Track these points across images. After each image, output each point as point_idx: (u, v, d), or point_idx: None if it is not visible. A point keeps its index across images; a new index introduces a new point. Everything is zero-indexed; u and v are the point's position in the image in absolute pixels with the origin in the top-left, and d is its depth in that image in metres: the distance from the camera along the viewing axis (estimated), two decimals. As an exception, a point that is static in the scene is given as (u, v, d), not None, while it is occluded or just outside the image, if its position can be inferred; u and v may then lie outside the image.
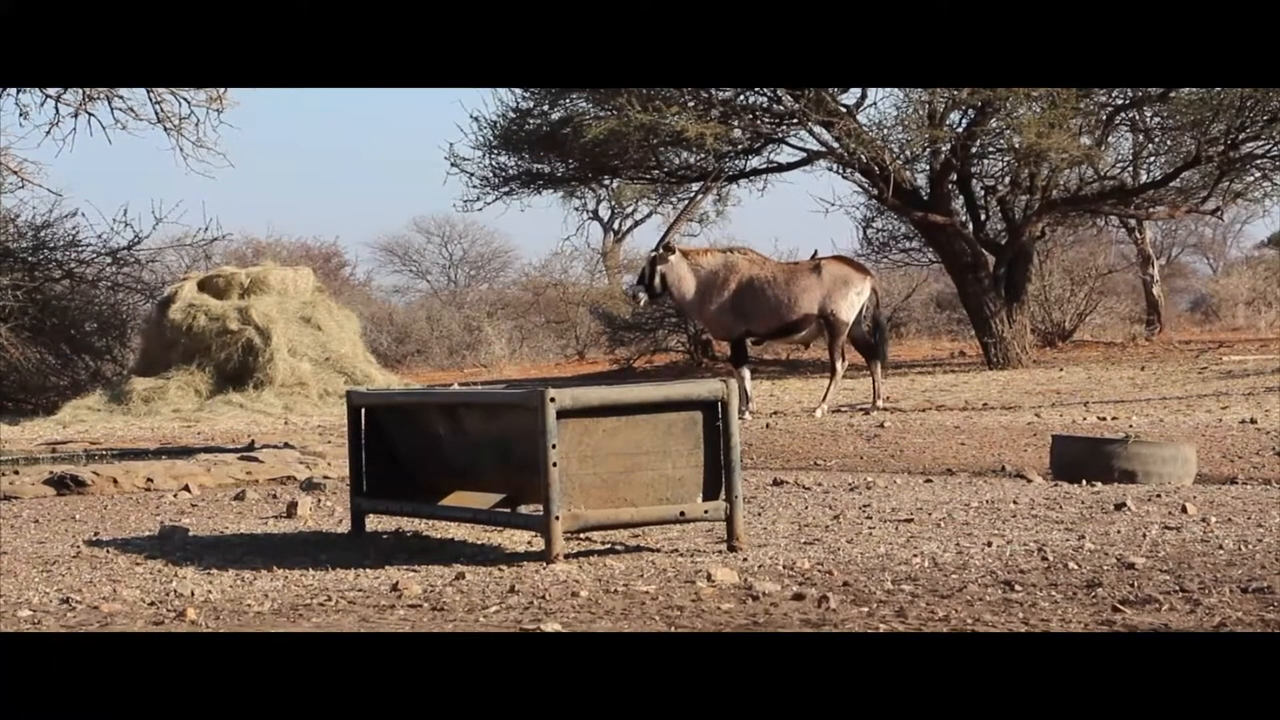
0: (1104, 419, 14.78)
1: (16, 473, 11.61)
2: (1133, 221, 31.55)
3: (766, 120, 25.28)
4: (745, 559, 6.88)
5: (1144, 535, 7.22)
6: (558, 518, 6.91)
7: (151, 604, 6.19)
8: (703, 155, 25.40)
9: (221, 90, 21.80)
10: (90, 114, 22.08)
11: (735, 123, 24.89)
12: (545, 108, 26.18)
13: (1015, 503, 8.61)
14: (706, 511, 7.21)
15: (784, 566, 6.61)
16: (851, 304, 17.09)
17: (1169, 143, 26.17)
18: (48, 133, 22.33)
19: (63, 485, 11.03)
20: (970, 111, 25.02)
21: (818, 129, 24.90)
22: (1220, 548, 6.76)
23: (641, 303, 17.88)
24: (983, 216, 26.63)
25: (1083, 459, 10.04)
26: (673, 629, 5.29)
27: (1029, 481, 9.96)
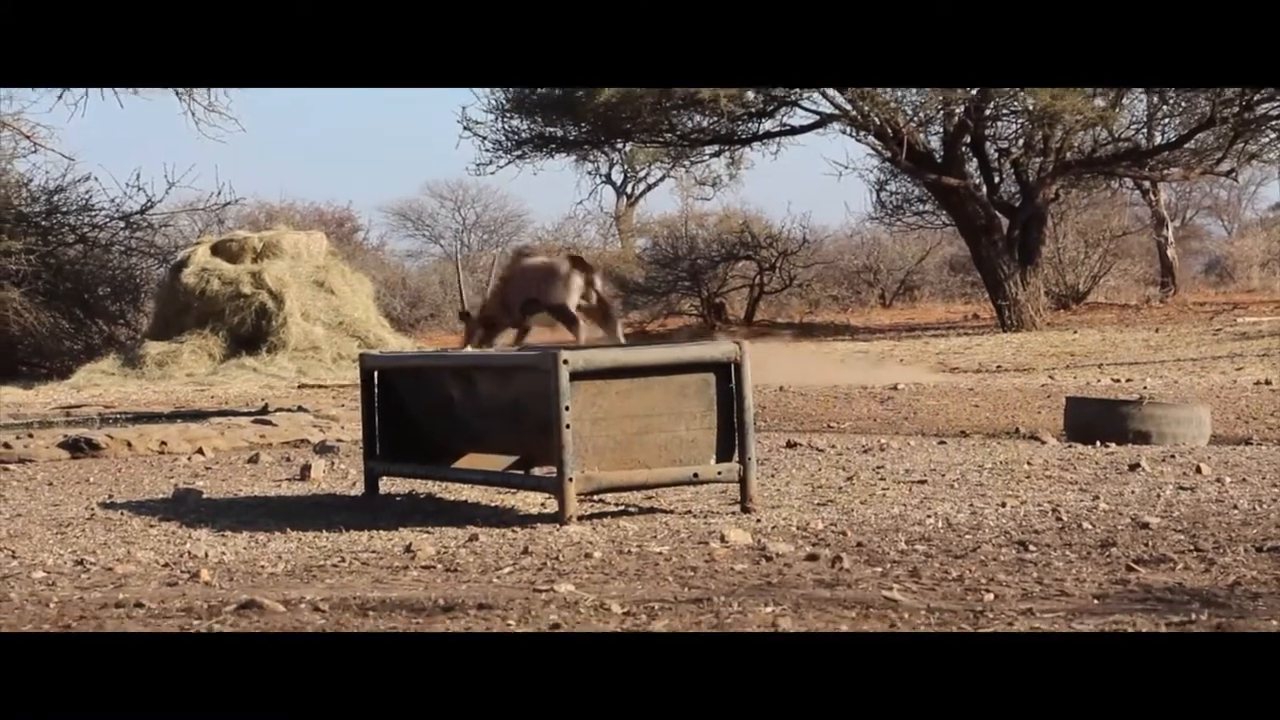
0: (1118, 380, 14.76)
1: (31, 436, 11.62)
2: (1147, 183, 31.45)
3: (780, 82, 25.20)
4: (759, 520, 6.87)
5: (1158, 495, 7.20)
6: (571, 480, 6.91)
7: (165, 565, 6.20)
8: (715, 118, 25.34)
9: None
10: (102, 78, 22.07)
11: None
12: (558, 71, 26.11)
13: (1029, 464, 8.59)
14: (720, 473, 7.20)
15: (797, 527, 6.61)
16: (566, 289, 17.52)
17: (1183, 104, 26.08)
18: (59, 97, 22.36)
19: (77, 448, 11.05)
20: (984, 73, 24.91)
21: (831, 92, 24.83)
22: (1235, 508, 6.74)
23: None
24: (996, 179, 26.57)
25: (1097, 420, 10.02)
26: (686, 589, 5.28)
27: (1043, 443, 9.94)
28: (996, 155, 26.57)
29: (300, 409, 13.56)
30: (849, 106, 24.65)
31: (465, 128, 26.62)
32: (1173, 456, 8.73)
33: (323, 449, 10.82)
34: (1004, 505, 7.03)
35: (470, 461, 7.96)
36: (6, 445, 11.00)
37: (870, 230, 35.53)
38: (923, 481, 7.99)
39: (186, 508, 7.98)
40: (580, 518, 6.96)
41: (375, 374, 8.44)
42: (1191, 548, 5.79)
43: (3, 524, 7.57)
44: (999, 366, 17.73)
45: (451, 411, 7.99)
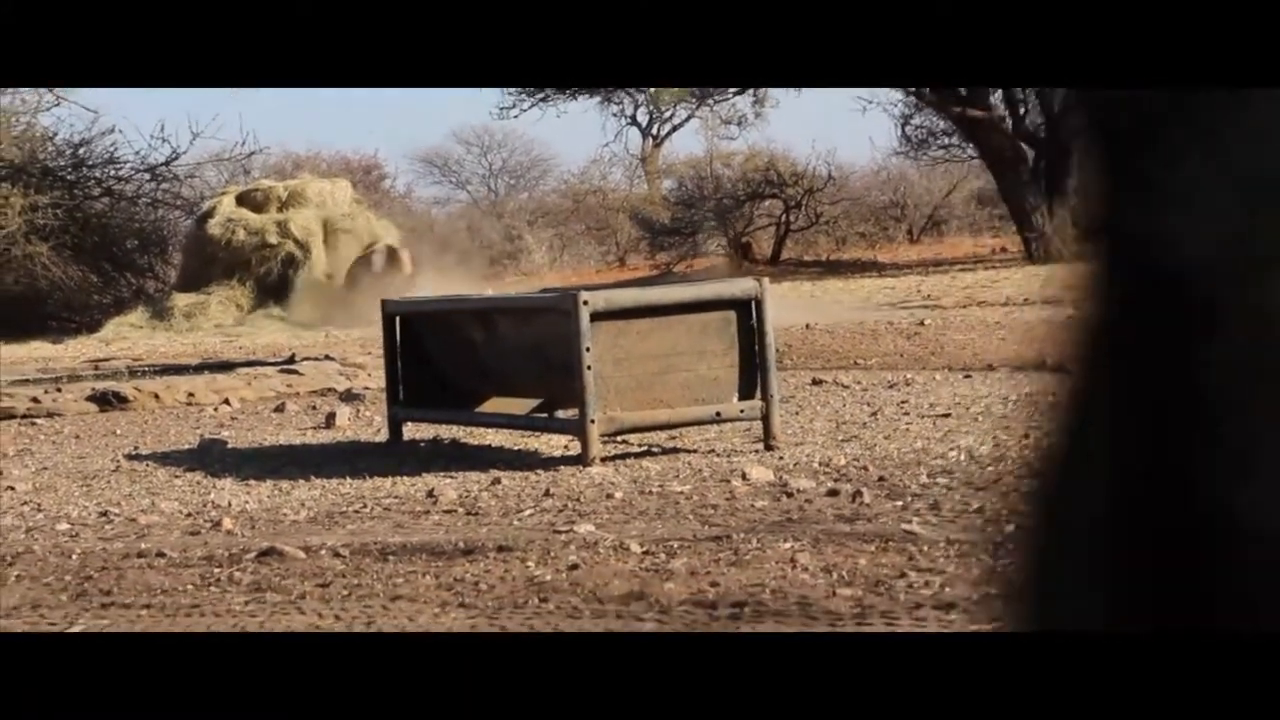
0: (1146, 311, 14.69)
1: (60, 390, 11.67)
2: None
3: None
4: (781, 457, 6.86)
5: (1183, 424, 7.16)
6: (593, 421, 6.90)
7: (188, 515, 6.21)
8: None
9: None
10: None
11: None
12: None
13: (1055, 395, 8.54)
14: (742, 411, 7.19)
15: (820, 463, 6.59)
16: None
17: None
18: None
19: (105, 401, 11.08)
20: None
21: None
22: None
23: None
24: (1022, 110, 26.42)
25: (1123, 350, 9.95)
26: (706, 527, 5.28)
27: (1070, 374, 9.89)
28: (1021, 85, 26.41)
29: (327, 357, 13.58)
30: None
31: (488, 72, 26.54)
32: (1199, 385, 8.67)
33: (348, 397, 10.83)
34: (1028, 437, 6.98)
35: (493, 405, 7.97)
36: (35, 400, 11.04)
37: (896, 165, 35.38)
38: (946, 415, 7.96)
39: (212, 458, 8.01)
40: (603, 459, 6.96)
41: (397, 320, 8.43)
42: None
43: (29, 478, 7.60)
44: (1026, 299, 17.65)
45: (474, 356, 7.98)
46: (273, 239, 22.89)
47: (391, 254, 22.70)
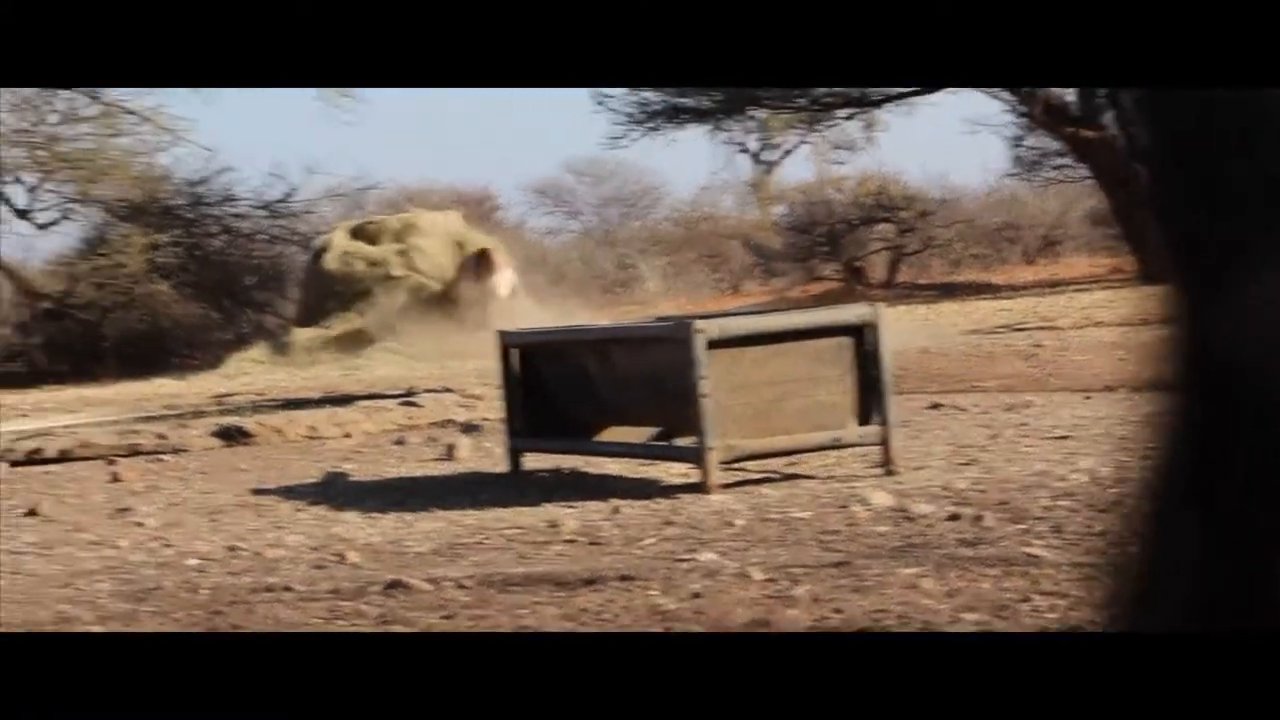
0: (1267, 328, 14.51)
1: (185, 426, 11.85)
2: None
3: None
4: (901, 482, 6.85)
5: (1308, 443, 7.08)
6: (712, 449, 6.93)
7: (314, 548, 6.29)
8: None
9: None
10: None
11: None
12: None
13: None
14: (861, 436, 7.19)
15: (940, 487, 6.58)
16: None
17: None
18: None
19: (229, 437, 11.24)
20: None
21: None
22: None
23: None
24: (1134, 129, 26.19)
25: (1245, 369, 9.84)
26: (828, 553, 5.29)
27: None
28: (1133, 103, 26.20)
29: (446, 389, 13.69)
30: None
31: (598, 101, 26.68)
32: (1323, 402, 8.57)
33: (468, 428, 10.90)
34: (1147, 458, 6.94)
35: (611, 435, 8.01)
36: (161, 436, 11.21)
37: (1009, 187, 35.16)
38: (1067, 437, 7.91)
39: (335, 491, 8.11)
40: (722, 486, 6.98)
41: (513, 351, 8.50)
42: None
43: (158, 514, 7.73)
44: (1144, 319, 17.49)
45: (590, 385, 8.03)
46: (397, 270, 23.01)
47: (483, 256, 22.34)
